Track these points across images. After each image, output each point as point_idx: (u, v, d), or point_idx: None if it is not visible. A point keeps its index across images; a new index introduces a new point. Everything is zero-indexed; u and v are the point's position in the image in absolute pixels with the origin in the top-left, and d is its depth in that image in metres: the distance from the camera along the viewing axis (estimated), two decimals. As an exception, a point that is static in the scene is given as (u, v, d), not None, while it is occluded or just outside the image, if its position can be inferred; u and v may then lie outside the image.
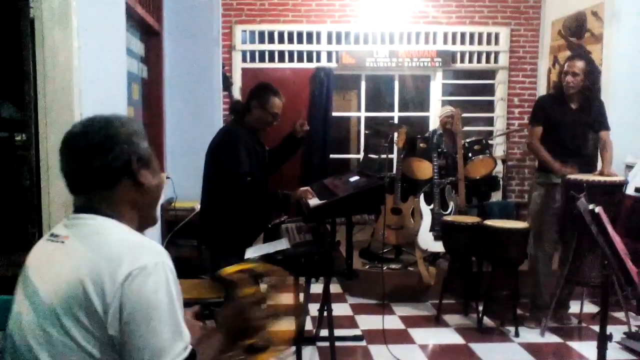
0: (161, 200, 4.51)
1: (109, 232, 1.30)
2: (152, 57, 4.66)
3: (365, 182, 3.09)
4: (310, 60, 6.53)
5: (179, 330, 1.24)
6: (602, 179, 3.79)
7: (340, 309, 4.53)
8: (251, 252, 2.98)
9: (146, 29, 4.47)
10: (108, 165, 1.33)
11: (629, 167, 4.68)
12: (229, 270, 1.53)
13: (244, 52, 6.50)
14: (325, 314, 3.42)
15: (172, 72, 4.81)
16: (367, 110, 6.78)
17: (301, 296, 3.37)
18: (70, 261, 1.25)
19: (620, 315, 4.19)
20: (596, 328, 4.05)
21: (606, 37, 5.25)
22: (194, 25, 4.82)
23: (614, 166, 4.15)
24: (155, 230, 4.31)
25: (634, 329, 3.95)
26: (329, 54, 6.52)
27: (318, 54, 6.53)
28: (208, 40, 4.88)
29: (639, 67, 5.09)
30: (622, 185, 3.82)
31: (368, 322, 4.28)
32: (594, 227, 2.35)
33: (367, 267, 4.96)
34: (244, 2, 6.39)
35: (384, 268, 4.89)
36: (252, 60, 6.53)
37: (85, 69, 2.44)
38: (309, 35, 6.49)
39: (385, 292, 4.65)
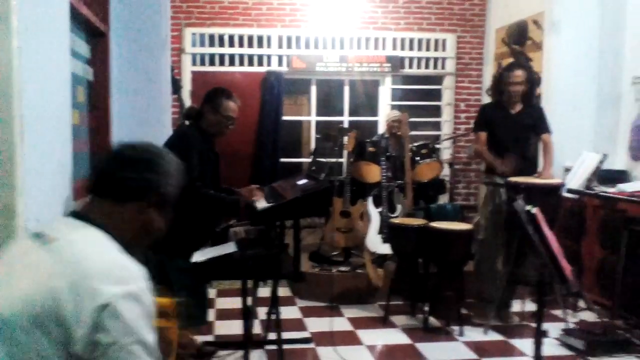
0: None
1: (96, 246, 1.29)
2: (98, 59, 4.56)
3: (312, 185, 3.12)
4: (260, 64, 6.55)
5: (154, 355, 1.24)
6: (540, 181, 3.94)
7: (289, 312, 4.54)
8: (198, 256, 2.97)
9: (92, 30, 4.38)
10: (132, 181, 1.38)
11: (568, 170, 4.87)
12: None
13: (193, 55, 6.46)
14: (273, 317, 3.43)
15: (119, 74, 4.73)
16: (318, 114, 6.83)
17: (249, 299, 3.37)
18: (49, 267, 1.22)
19: (559, 312, 4.35)
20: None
21: (546, 45, 5.46)
22: (142, 28, 4.75)
23: (554, 169, 4.33)
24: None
25: (571, 325, 4.11)
26: (280, 58, 6.55)
27: (269, 57, 6.55)
28: (156, 43, 4.83)
29: (577, 75, 5.31)
30: (559, 187, 3.97)
31: (317, 324, 4.32)
32: (530, 227, 2.45)
33: (317, 269, 4.99)
34: (194, 4, 6.35)
35: (333, 270, 4.94)
36: (202, 63, 6.49)
37: (26, 70, 2.39)
38: (260, 39, 6.50)
39: (334, 295, 4.70)
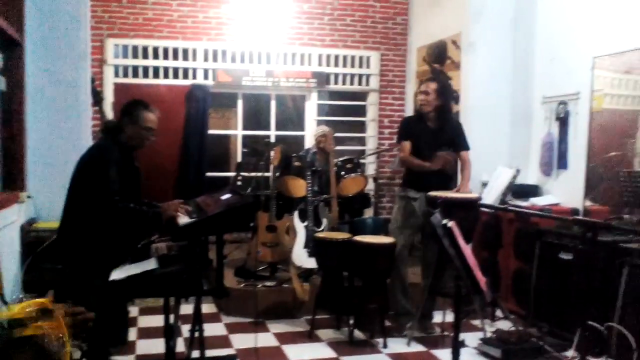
0: (21, 221, 4.25)
1: None
2: (13, 69, 4.39)
3: (235, 200, 3.10)
4: (185, 77, 6.47)
5: None
6: (458, 195, 4.09)
7: (214, 329, 4.47)
8: (117, 274, 2.88)
9: (6, 39, 4.22)
10: None
11: (485, 184, 5.07)
12: (18, 307, 1.48)
13: (116, 67, 6.31)
14: (197, 334, 3.38)
15: (35, 85, 4.55)
16: (245, 128, 6.81)
17: (172, 317, 3.29)
18: None
19: (478, 322, 4.50)
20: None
21: (464, 65, 5.69)
22: (60, 38, 4.61)
23: (472, 184, 4.50)
24: (13, 253, 4.04)
25: (489, 334, 4.26)
26: (205, 71, 6.49)
27: (194, 71, 6.48)
28: (75, 53, 4.69)
29: (492, 93, 5.56)
30: (476, 201, 4.13)
31: (242, 340, 4.27)
32: (445, 240, 2.54)
33: (243, 285, 4.95)
34: (117, 15, 6.21)
35: (259, 285, 4.92)
36: (125, 75, 6.34)
37: None
38: (185, 52, 6.43)
39: (259, 310, 4.67)
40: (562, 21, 5.10)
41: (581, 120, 4.86)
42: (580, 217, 2.65)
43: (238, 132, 6.79)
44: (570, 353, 3.97)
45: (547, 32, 5.29)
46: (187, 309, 3.65)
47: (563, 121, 5.01)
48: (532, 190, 5.19)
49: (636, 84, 4.50)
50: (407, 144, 4.45)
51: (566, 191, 4.97)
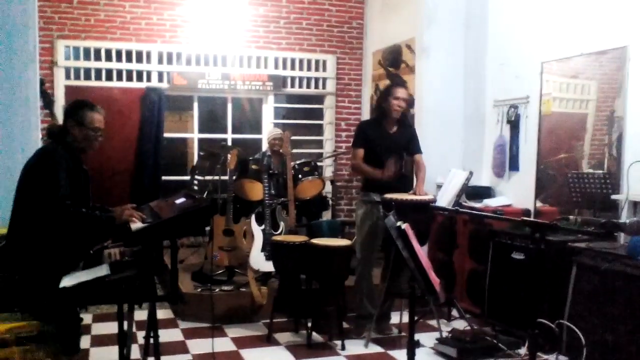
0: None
1: None
2: (-45, 71, 4.24)
3: (189, 204, 3.07)
4: (140, 80, 6.37)
5: None
6: (412, 197, 4.14)
7: (170, 335, 4.41)
8: (68, 281, 2.81)
9: (-51, 40, 4.07)
10: None
11: (440, 186, 5.15)
12: None
13: (67, 69, 6.17)
14: (151, 340, 3.32)
15: (-21, 88, 4.41)
16: (202, 131, 6.74)
17: (125, 324, 3.23)
18: None
19: (434, 322, 4.56)
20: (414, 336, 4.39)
21: (418, 69, 5.77)
22: (6, 38, 4.47)
23: (428, 186, 4.56)
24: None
25: (445, 334, 4.32)
26: (160, 74, 6.41)
27: (148, 73, 6.39)
28: (23, 55, 4.55)
29: (446, 97, 5.65)
30: (431, 203, 4.19)
31: (199, 346, 4.22)
32: (399, 242, 2.56)
33: (199, 290, 4.90)
34: (67, 16, 6.07)
35: (216, 290, 4.87)
36: (77, 77, 6.21)
37: None
38: (139, 54, 6.33)
39: (217, 315, 4.62)
40: (512, 27, 5.23)
41: (531, 123, 4.99)
42: (527, 218, 2.72)
43: (194, 135, 6.72)
44: (523, 351, 4.07)
45: (497, 38, 5.42)
46: (143, 314, 3.59)
47: (514, 124, 5.14)
48: (485, 192, 5.29)
49: (582, 88, 4.65)
50: (360, 151, 4.47)
51: (518, 192, 5.09)
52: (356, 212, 4.66)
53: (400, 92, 4.42)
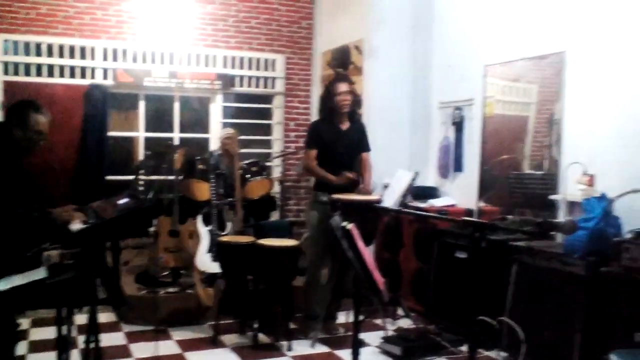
0: None
1: None
2: None
3: (132, 204, 3.01)
4: (83, 76, 6.19)
5: None
6: (359, 198, 4.17)
7: (113, 339, 4.31)
8: (2, 285, 2.71)
9: None
10: None
11: (386, 186, 5.20)
12: None
13: (6, 64, 5.93)
14: (92, 345, 3.23)
15: None
16: (148, 130, 6.61)
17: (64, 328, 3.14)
18: None
19: (380, 321, 4.61)
20: (360, 336, 4.42)
21: (366, 70, 5.82)
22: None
23: (375, 186, 4.62)
24: None
25: (390, 333, 4.38)
26: (105, 71, 6.25)
27: (92, 70, 6.22)
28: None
29: (393, 98, 5.72)
30: (377, 203, 4.23)
31: (143, 350, 4.15)
32: (344, 242, 2.58)
33: (144, 292, 4.81)
34: (5, 9, 5.84)
35: (162, 292, 4.80)
36: (16, 73, 5.98)
37: None
38: (82, 50, 6.15)
39: (162, 317, 4.56)
40: (457, 30, 5.34)
41: (475, 125, 5.11)
42: (467, 218, 2.79)
43: (140, 134, 6.58)
44: (465, 348, 4.16)
45: (443, 41, 5.53)
46: (84, 318, 3.50)
47: (458, 126, 5.25)
48: (430, 192, 5.39)
49: (524, 92, 4.78)
50: (313, 152, 4.47)
51: (462, 192, 5.20)
52: (307, 213, 4.67)
53: (342, 87, 4.45)
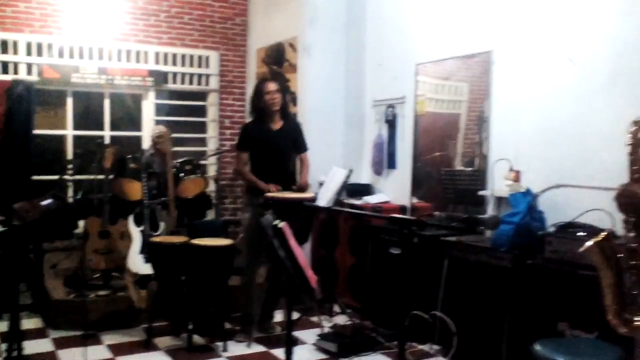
0: None
1: None
2: None
3: (56, 205, 2.89)
4: (6, 71, 5.91)
5: None
6: (292, 195, 4.17)
7: (38, 346, 4.14)
8: None
9: None
10: None
11: (322, 184, 5.22)
12: None
13: None
14: (15, 353, 3.10)
15: None
16: (77, 128, 6.37)
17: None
18: None
19: (316, 319, 4.62)
20: (296, 334, 4.43)
21: (300, 67, 5.81)
22: None
23: (312, 184, 4.62)
24: None
25: (326, 330, 4.39)
26: (29, 66, 5.98)
27: (15, 65, 5.94)
28: None
29: (327, 95, 5.74)
30: (312, 201, 4.23)
31: (71, 356, 4.01)
32: (275, 241, 2.56)
33: (73, 295, 4.65)
34: None
35: (92, 295, 4.65)
36: None
37: None
38: (4, 44, 5.87)
39: (91, 321, 4.43)
40: (389, 29, 5.41)
41: (407, 122, 5.19)
42: (396, 215, 2.84)
43: (68, 132, 6.34)
44: (400, 342, 4.22)
45: (376, 39, 5.59)
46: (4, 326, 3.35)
47: (391, 123, 5.32)
48: (365, 189, 5.44)
49: (455, 90, 4.90)
50: (244, 155, 4.45)
51: (396, 189, 5.28)
52: (242, 214, 4.62)
53: (270, 86, 4.43)
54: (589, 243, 1.88)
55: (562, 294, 3.27)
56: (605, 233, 1.90)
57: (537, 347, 2.80)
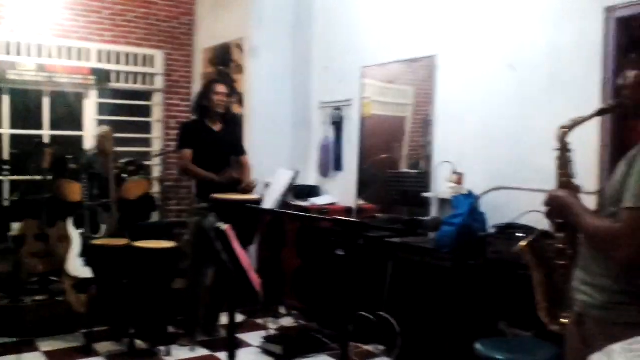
0: None
1: None
2: None
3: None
4: None
5: None
6: (238, 197, 4.13)
7: (-32, 356, 3.97)
8: None
9: None
10: None
11: (267, 185, 5.20)
12: None
13: None
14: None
15: None
16: (14, 127, 6.13)
17: None
18: None
19: (262, 321, 4.60)
20: (242, 336, 4.39)
21: (247, 68, 5.77)
22: None
23: (257, 185, 4.60)
24: None
25: (272, 332, 4.37)
26: (-39, 62, 5.73)
27: (-54, 61, 5.68)
28: None
29: (274, 97, 5.72)
30: (257, 203, 4.22)
31: (4, 364, 3.86)
32: (218, 243, 2.53)
33: (7, 301, 4.47)
34: None
35: (28, 300, 4.49)
36: None
37: None
38: None
39: (27, 328, 4.28)
40: (336, 32, 5.43)
41: (353, 125, 5.23)
42: (338, 217, 2.86)
43: (4, 130, 6.10)
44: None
45: (322, 41, 5.60)
46: None
47: (338, 126, 5.35)
48: (312, 191, 5.44)
49: (401, 93, 4.96)
50: (188, 152, 4.39)
51: (342, 191, 5.30)
52: (189, 216, 4.56)
53: (221, 88, 4.41)
54: (522, 243, 1.95)
55: (502, 294, 3.35)
56: (537, 234, 1.96)
57: (478, 346, 2.87)
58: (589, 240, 1.66)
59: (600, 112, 1.84)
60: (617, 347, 1.04)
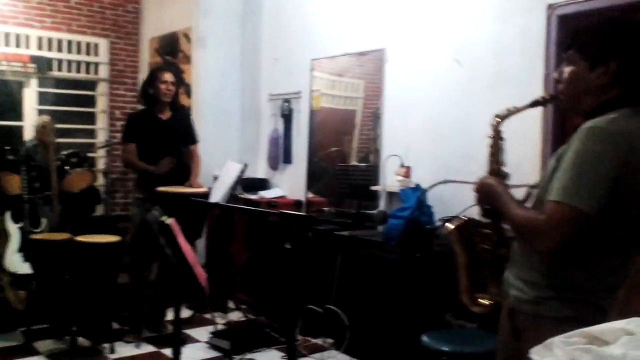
0: None
1: None
2: None
3: None
4: None
5: None
6: (184, 190, 4.06)
7: None
8: None
9: None
10: None
11: (216, 178, 5.12)
12: None
13: None
14: None
15: None
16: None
17: None
18: None
19: (211, 315, 4.54)
20: (189, 332, 4.33)
21: (195, 59, 5.67)
22: None
23: (205, 178, 4.52)
24: None
25: (220, 327, 4.32)
26: None
27: None
28: None
29: (223, 88, 5.65)
30: (205, 196, 4.14)
31: None
32: (162, 238, 2.47)
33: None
34: None
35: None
36: None
37: None
38: None
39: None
40: (285, 23, 5.38)
41: (303, 117, 5.20)
42: (284, 211, 2.84)
43: (-63, 120, 5.81)
44: (298, 337, 4.23)
45: (272, 32, 5.54)
46: None
47: (287, 118, 5.31)
48: (261, 184, 5.40)
49: (351, 86, 4.96)
50: (132, 146, 4.30)
51: (292, 184, 5.28)
52: (132, 210, 4.45)
53: (168, 76, 4.32)
54: (450, 225, 1.99)
55: (448, 286, 3.39)
56: (466, 219, 1.99)
57: (425, 338, 2.91)
58: (514, 230, 1.70)
59: (533, 104, 1.88)
60: (556, 340, 1.06)
